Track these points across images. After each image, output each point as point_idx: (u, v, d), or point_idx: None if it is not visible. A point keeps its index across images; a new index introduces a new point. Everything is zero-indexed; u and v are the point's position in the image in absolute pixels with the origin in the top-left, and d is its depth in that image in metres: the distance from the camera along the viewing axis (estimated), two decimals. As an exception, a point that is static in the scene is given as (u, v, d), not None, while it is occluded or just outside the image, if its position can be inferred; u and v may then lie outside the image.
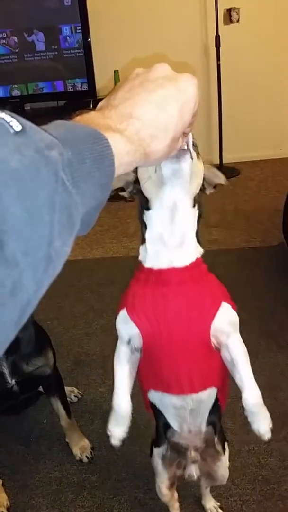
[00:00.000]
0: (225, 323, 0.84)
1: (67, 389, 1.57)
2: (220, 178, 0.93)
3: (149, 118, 0.45)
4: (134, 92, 0.47)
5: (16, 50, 3.60)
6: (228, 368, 0.88)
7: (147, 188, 0.83)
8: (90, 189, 0.36)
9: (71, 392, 1.73)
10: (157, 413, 0.99)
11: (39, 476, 1.49)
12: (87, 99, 3.47)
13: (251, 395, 0.88)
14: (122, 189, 0.89)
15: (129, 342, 0.87)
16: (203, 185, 0.87)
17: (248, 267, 2.50)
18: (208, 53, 3.81)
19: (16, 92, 3.70)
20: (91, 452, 1.52)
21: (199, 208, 0.87)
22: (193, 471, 1.06)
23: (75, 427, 1.54)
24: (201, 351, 0.86)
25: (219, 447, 1.04)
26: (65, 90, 3.69)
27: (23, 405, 1.52)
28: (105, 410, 1.69)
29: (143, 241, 0.87)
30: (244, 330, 2.22)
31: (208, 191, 0.91)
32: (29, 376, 1.29)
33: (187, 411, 0.94)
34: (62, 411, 1.47)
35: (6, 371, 1.25)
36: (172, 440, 1.02)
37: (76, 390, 1.77)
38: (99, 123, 0.41)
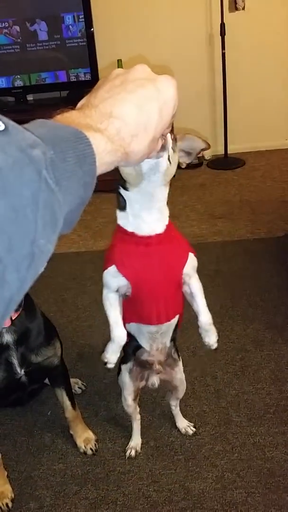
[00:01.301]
0: (190, 268, 1.09)
1: (71, 380, 1.56)
2: (198, 142, 1.01)
3: (129, 118, 0.45)
4: (114, 92, 0.47)
5: (19, 40, 3.56)
6: (187, 299, 1.15)
7: (127, 177, 0.94)
8: (72, 187, 0.36)
9: (75, 383, 1.73)
10: (130, 340, 1.20)
11: (43, 468, 1.49)
12: (90, 89, 3.40)
13: (205, 317, 1.14)
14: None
15: (117, 290, 1.09)
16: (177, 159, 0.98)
17: (253, 258, 2.48)
18: (213, 41, 3.75)
19: (18, 83, 3.67)
20: (95, 444, 1.52)
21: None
22: (155, 380, 1.32)
23: (79, 419, 1.53)
24: (174, 289, 1.11)
25: (175, 355, 1.32)
26: (68, 80, 3.65)
27: (29, 397, 1.52)
28: (109, 401, 1.69)
29: (121, 208, 1.02)
30: (249, 323, 2.23)
31: (185, 161, 1.01)
32: (38, 366, 1.29)
33: (159, 334, 1.20)
34: (67, 403, 1.46)
35: (15, 362, 1.25)
36: (140, 358, 1.27)
37: (80, 382, 1.76)
38: (80, 122, 0.42)
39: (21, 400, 1.50)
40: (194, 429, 1.53)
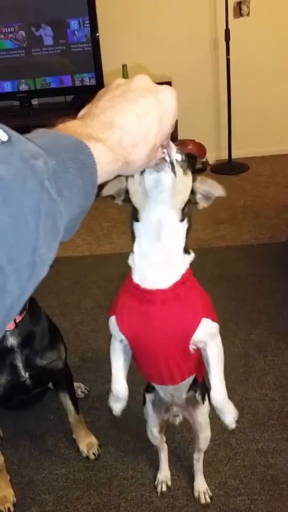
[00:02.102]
0: (204, 335, 0.95)
1: (74, 385, 1.56)
2: (217, 190, 0.95)
3: (130, 127, 0.46)
4: (115, 102, 0.48)
5: (24, 45, 3.59)
6: (204, 363, 1.02)
7: (136, 200, 0.88)
8: (73, 197, 0.37)
9: (78, 387, 1.72)
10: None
11: (46, 472, 1.49)
12: (95, 94, 3.42)
13: (218, 394, 1.01)
14: (112, 196, 0.94)
15: (122, 340, 1.01)
16: (194, 199, 0.92)
17: (256, 263, 2.48)
18: (217, 47, 3.76)
19: (23, 87, 3.69)
20: (98, 449, 1.52)
21: (188, 221, 0.92)
22: (176, 418, 1.28)
23: (82, 424, 1.53)
24: (180, 356, 0.98)
25: (199, 398, 1.20)
26: (73, 85, 3.67)
27: (32, 401, 1.52)
28: (112, 407, 1.69)
29: (133, 250, 0.93)
30: (253, 328, 2.22)
31: (203, 205, 0.95)
32: (42, 369, 1.29)
33: (169, 389, 1.12)
34: (70, 407, 1.46)
35: (20, 365, 1.25)
36: (159, 395, 1.20)
37: (83, 386, 1.76)
38: (81, 132, 0.42)
39: (24, 404, 1.50)
40: (209, 500, 1.35)
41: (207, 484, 1.38)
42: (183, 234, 0.91)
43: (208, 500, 1.35)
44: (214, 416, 1.57)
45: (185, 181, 0.87)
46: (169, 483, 1.40)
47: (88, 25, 3.49)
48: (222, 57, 3.69)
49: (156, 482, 1.41)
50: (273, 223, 2.89)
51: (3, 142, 0.32)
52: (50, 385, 1.51)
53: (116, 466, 1.48)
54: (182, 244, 0.92)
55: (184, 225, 0.91)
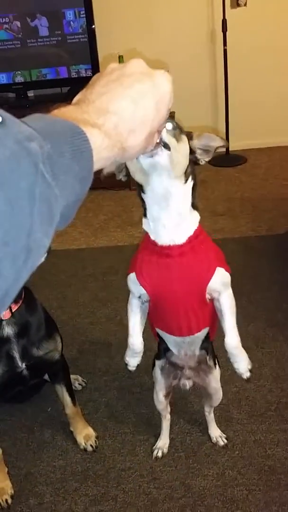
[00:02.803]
0: (218, 284, 1.02)
1: (71, 377, 1.55)
2: (216, 141, 0.98)
3: (126, 113, 0.45)
4: (110, 87, 0.47)
5: (19, 36, 3.54)
6: (218, 314, 1.09)
7: (137, 178, 0.92)
8: (69, 182, 0.36)
9: (75, 380, 1.72)
10: (160, 339, 1.22)
11: (43, 464, 1.48)
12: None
13: (232, 339, 1.07)
14: (114, 174, 0.97)
15: (139, 296, 1.07)
16: (195, 157, 0.96)
17: (254, 256, 2.47)
18: (214, 37, 3.73)
19: (19, 79, 3.65)
20: (95, 441, 1.52)
21: (193, 179, 0.98)
22: (187, 383, 1.30)
23: (79, 416, 1.53)
24: (197, 305, 1.05)
25: (211, 363, 1.26)
26: (69, 76, 3.63)
27: (29, 392, 1.52)
28: (109, 398, 1.69)
29: (145, 215, 0.99)
30: (250, 320, 2.22)
31: (204, 159, 0.98)
32: (39, 360, 1.29)
33: (185, 343, 1.16)
34: (67, 399, 1.46)
35: (16, 355, 1.25)
36: (170, 359, 1.24)
37: (80, 378, 1.76)
38: (77, 117, 0.41)
39: (22, 396, 1.50)
40: (225, 441, 1.46)
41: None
42: (189, 194, 0.97)
43: (225, 441, 1.46)
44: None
45: (181, 148, 0.90)
46: (165, 451, 1.47)
47: (84, 15, 3.45)
48: (219, 48, 3.66)
49: (154, 447, 1.48)
50: (271, 216, 2.88)
51: None
52: (47, 377, 1.51)
53: (113, 458, 1.48)
54: (189, 203, 0.98)
55: (189, 184, 0.97)
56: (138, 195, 0.98)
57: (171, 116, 3.47)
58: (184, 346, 1.18)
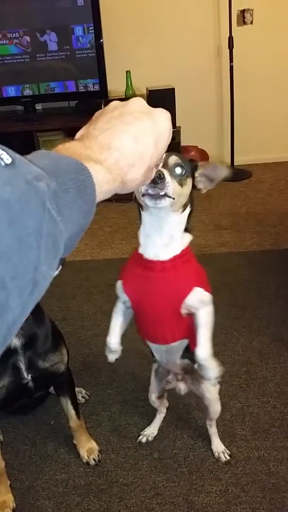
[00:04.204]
0: (195, 302, 1.07)
1: (75, 389, 1.55)
2: (221, 171, 1.03)
3: (127, 149, 0.48)
4: (112, 124, 0.50)
5: (29, 50, 3.61)
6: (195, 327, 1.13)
7: (139, 201, 1.00)
8: (73, 216, 0.38)
9: (79, 392, 1.72)
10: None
11: (45, 477, 1.48)
12: (99, 99, 3.46)
13: (202, 351, 1.10)
14: None
15: (124, 302, 1.15)
16: (196, 185, 1.03)
17: (259, 270, 2.47)
18: (221, 54, 3.78)
19: (27, 92, 3.71)
20: (98, 455, 1.51)
21: (190, 207, 1.05)
22: (181, 387, 1.35)
23: (83, 429, 1.52)
24: (173, 317, 1.10)
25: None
26: (77, 91, 3.69)
27: (33, 404, 1.51)
28: (113, 412, 1.68)
29: (139, 227, 1.06)
30: (255, 335, 2.21)
31: (206, 187, 1.04)
32: (45, 372, 1.29)
33: (163, 351, 1.23)
34: (71, 412, 1.45)
35: (22, 366, 1.25)
36: (158, 363, 1.32)
37: (83, 391, 1.75)
38: (81, 153, 0.44)
39: (25, 408, 1.49)
40: (228, 457, 1.46)
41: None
42: (184, 221, 1.04)
43: (228, 457, 1.46)
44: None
45: (185, 191, 0.98)
46: (150, 439, 1.55)
47: (93, 31, 3.51)
48: (225, 64, 3.71)
49: (141, 432, 1.56)
50: (276, 230, 2.89)
51: (7, 164, 0.33)
52: (51, 390, 1.51)
53: (116, 472, 1.47)
54: (182, 228, 1.04)
55: (186, 212, 1.03)
56: (137, 208, 1.05)
57: (178, 132, 3.50)
58: (163, 354, 1.23)
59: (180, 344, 1.19)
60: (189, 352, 1.21)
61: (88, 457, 1.50)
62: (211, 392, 1.32)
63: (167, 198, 0.93)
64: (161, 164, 0.90)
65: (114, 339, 1.20)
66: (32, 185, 0.34)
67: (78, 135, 0.51)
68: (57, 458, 1.54)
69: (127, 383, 1.80)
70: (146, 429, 1.56)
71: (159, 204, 0.94)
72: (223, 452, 1.47)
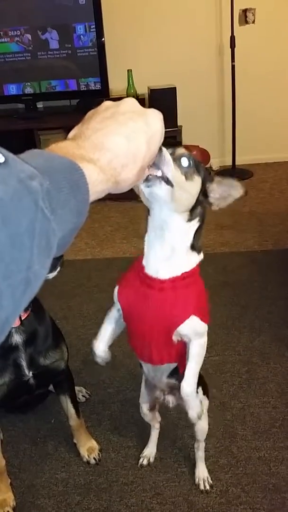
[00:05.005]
0: (188, 331, 1.00)
1: (75, 388, 1.55)
2: (237, 190, 0.96)
3: (120, 149, 0.48)
4: (106, 124, 0.50)
5: (30, 48, 3.60)
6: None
7: (142, 200, 0.92)
8: (66, 215, 0.38)
9: (79, 391, 1.72)
10: None
11: (46, 476, 1.47)
12: (100, 98, 3.45)
13: (188, 387, 1.04)
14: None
15: (119, 310, 1.07)
16: (207, 200, 0.94)
17: (260, 270, 2.47)
18: (222, 53, 3.78)
19: (29, 90, 3.70)
20: (98, 454, 1.51)
21: (200, 221, 0.95)
22: (170, 400, 1.28)
23: (83, 428, 1.52)
24: (162, 342, 1.03)
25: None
26: (78, 89, 3.68)
27: (34, 403, 1.51)
28: (113, 411, 1.68)
29: (144, 237, 0.99)
30: (256, 335, 2.21)
31: (219, 205, 0.96)
32: (46, 369, 1.29)
33: (149, 366, 1.15)
34: (71, 410, 1.45)
35: (23, 363, 1.25)
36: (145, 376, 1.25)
37: (84, 390, 1.75)
38: (74, 153, 0.44)
39: (26, 406, 1.49)
40: (208, 487, 1.38)
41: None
42: (190, 233, 0.95)
43: (208, 487, 1.38)
44: (215, 425, 1.56)
45: (189, 187, 0.88)
46: (152, 460, 1.49)
47: (94, 29, 3.51)
48: (227, 63, 3.70)
49: (141, 454, 1.50)
50: (277, 230, 2.88)
51: (0, 163, 0.33)
52: (51, 388, 1.51)
53: (116, 471, 1.47)
54: (188, 242, 0.95)
55: (193, 225, 0.94)
56: (146, 214, 0.97)
57: (180, 131, 3.49)
58: (150, 369, 1.16)
59: (167, 366, 1.12)
60: (177, 373, 1.13)
61: (88, 456, 1.50)
62: (193, 408, 1.18)
63: (163, 183, 0.82)
64: (164, 157, 0.80)
65: (101, 346, 1.11)
66: (25, 184, 0.34)
67: (71, 134, 0.51)
68: (58, 457, 1.54)
69: (128, 382, 1.80)
70: (144, 450, 1.50)
71: (153, 187, 0.82)
72: (204, 480, 1.39)
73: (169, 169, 0.81)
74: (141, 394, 1.34)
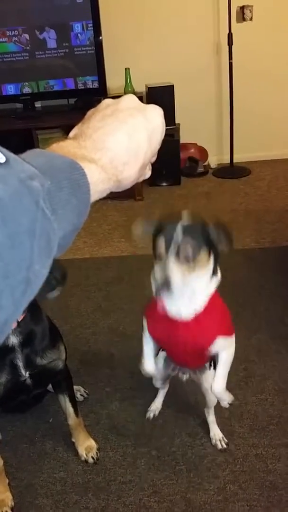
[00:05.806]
0: (218, 348, 1.18)
1: (74, 387, 1.55)
2: (223, 244, 1.10)
3: (121, 147, 0.48)
4: (106, 122, 0.50)
5: (28, 48, 3.60)
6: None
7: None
8: (67, 215, 0.38)
9: (77, 390, 1.72)
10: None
11: (44, 476, 1.48)
12: (98, 97, 3.45)
13: (218, 386, 1.23)
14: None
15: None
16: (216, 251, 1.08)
17: (257, 268, 2.47)
18: (220, 51, 3.77)
19: (27, 90, 3.70)
20: (96, 453, 1.51)
21: (214, 258, 1.09)
22: (184, 375, 1.41)
23: (81, 427, 1.52)
24: (196, 356, 1.23)
25: (206, 364, 1.36)
26: (76, 88, 3.68)
27: (31, 402, 1.51)
28: (111, 410, 1.69)
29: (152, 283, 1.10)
30: (253, 333, 2.21)
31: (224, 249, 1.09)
32: (43, 369, 1.29)
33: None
34: (70, 409, 1.46)
35: (20, 364, 1.25)
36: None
37: (82, 389, 1.75)
38: (75, 152, 0.44)
39: (24, 406, 1.49)
40: (225, 446, 1.50)
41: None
42: (209, 273, 1.09)
43: (225, 446, 1.50)
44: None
45: (197, 269, 1.03)
46: (157, 413, 1.64)
47: (92, 28, 3.50)
48: (224, 61, 3.70)
49: (148, 409, 1.64)
50: (275, 228, 2.88)
51: (1, 163, 0.33)
52: (50, 387, 1.51)
53: (114, 470, 1.47)
54: (208, 277, 1.09)
55: (212, 280, 1.11)
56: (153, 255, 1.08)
57: (178, 129, 3.50)
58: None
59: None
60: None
61: (86, 455, 1.50)
62: (209, 382, 1.37)
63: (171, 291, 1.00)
64: (169, 251, 0.99)
65: (149, 365, 1.28)
66: (25, 184, 0.34)
67: (71, 134, 0.51)
68: (56, 456, 1.54)
69: (126, 381, 1.80)
70: (151, 405, 1.64)
71: (169, 292, 1.00)
72: (220, 440, 1.51)
73: (175, 273, 0.99)
74: (158, 371, 1.40)
